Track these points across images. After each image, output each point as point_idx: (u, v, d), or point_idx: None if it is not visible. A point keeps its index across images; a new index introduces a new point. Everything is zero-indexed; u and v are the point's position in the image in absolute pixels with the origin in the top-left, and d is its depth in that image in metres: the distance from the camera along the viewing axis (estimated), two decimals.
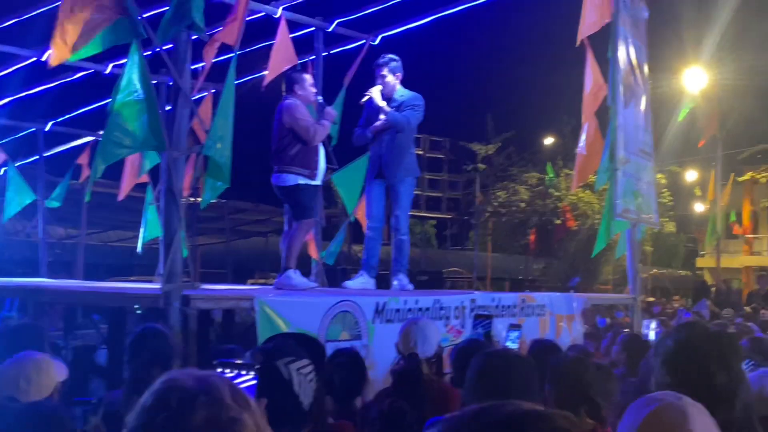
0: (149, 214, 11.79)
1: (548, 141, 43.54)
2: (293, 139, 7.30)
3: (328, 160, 7.87)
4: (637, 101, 8.93)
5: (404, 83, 8.16)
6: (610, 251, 16.79)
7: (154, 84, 6.07)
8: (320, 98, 7.84)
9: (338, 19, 9.63)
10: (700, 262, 38.82)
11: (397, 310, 6.22)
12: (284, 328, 5.23)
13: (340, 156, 9.22)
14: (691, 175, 37.26)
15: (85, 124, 12.81)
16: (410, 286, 8.06)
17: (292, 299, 5.98)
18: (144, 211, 12.01)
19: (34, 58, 9.83)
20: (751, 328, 9.49)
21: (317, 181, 7.52)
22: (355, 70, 9.81)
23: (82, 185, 12.76)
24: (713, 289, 22.37)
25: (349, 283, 7.97)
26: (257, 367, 2.41)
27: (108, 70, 10.49)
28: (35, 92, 11.41)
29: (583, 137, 8.86)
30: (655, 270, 35.90)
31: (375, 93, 7.97)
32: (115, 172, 11.34)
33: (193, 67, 5.81)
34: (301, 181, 7.31)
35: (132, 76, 5.27)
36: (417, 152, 8.50)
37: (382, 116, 7.94)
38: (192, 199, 9.85)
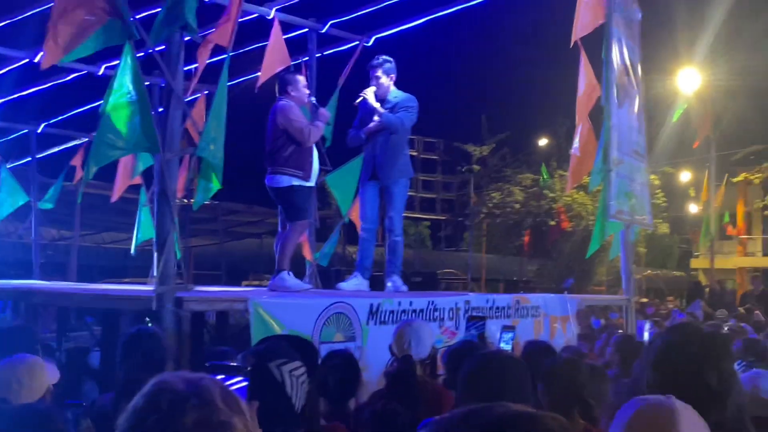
0: (143, 216, 11.76)
1: (543, 142, 43.57)
2: (287, 141, 7.29)
3: (322, 162, 7.86)
4: (630, 102, 8.94)
5: (398, 84, 8.16)
6: (604, 252, 16.80)
7: (147, 85, 6.05)
8: (313, 99, 7.83)
9: (331, 21, 9.63)
10: (694, 263, 38.89)
11: (391, 312, 6.21)
12: (278, 329, 5.22)
13: (333, 157, 9.22)
14: (684, 176, 37.30)
15: (78, 125, 12.78)
16: (404, 288, 8.06)
17: (286, 301, 5.98)
18: (138, 212, 11.98)
19: (27, 60, 9.81)
20: (745, 329, 9.51)
21: (311, 183, 7.51)
22: (349, 71, 9.80)
23: (76, 187, 12.73)
24: (707, 290, 22.40)
25: (343, 285, 7.97)
26: (249, 369, 2.41)
27: (101, 72, 10.47)
28: (28, 93, 11.38)
29: (576, 138, 8.86)
30: (649, 271, 35.94)
31: (369, 94, 7.97)
32: (108, 173, 11.31)
33: (186, 69, 5.80)
34: (295, 182, 7.30)
35: (124, 77, 5.26)
36: (411, 153, 8.50)
37: (376, 117, 7.94)
38: (185, 200, 9.83)
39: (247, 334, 5.24)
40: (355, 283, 7.94)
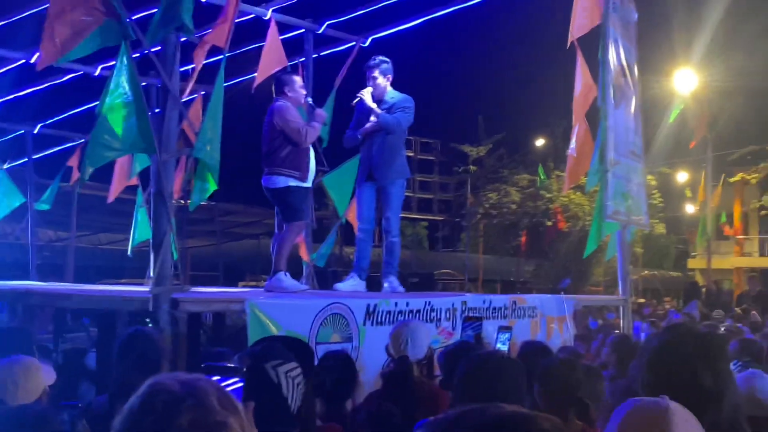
0: (139, 217, 11.75)
1: (539, 143, 43.64)
2: (284, 141, 7.29)
3: (319, 162, 7.86)
4: (627, 103, 8.95)
5: (394, 85, 8.16)
6: (600, 253, 16.83)
7: (144, 86, 6.05)
8: (310, 100, 7.83)
9: (328, 21, 9.63)
10: (691, 264, 38.94)
11: (388, 313, 6.21)
12: (275, 330, 5.21)
13: (330, 158, 9.22)
14: (681, 177, 37.37)
15: (75, 126, 12.77)
16: (401, 288, 8.06)
17: (283, 302, 5.97)
18: (134, 213, 11.98)
19: (23, 60, 9.80)
20: (741, 330, 9.52)
21: (308, 183, 7.51)
22: (345, 71, 9.80)
23: (72, 188, 12.74)
24: (704, 290, 22.43)
25: (339, 286, 7.97)
26: (245, 370, 2.41)
27: (97, 72, 10.45)
28: (24, 94, 11.36)
29: (573, 139, 8.87)
30: (646, 271, 35.99)
31: (366, 95, 7.97)
32: (105, 174, 11.30)
33: (182, 69, 5.80)
34: (292, 183, 7.30)
35: (121, 78, 5.25)
36: (408, 154, 8.52)
37: (372, 118, 7.94)
38: (182, 201, 9.82)
39: (244, 335, 5.24)
40: (352, 283, 7.94)
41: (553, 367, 3.77)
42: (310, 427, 3.02)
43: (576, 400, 3.57)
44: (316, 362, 4.01)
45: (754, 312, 14.56)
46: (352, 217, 9.23)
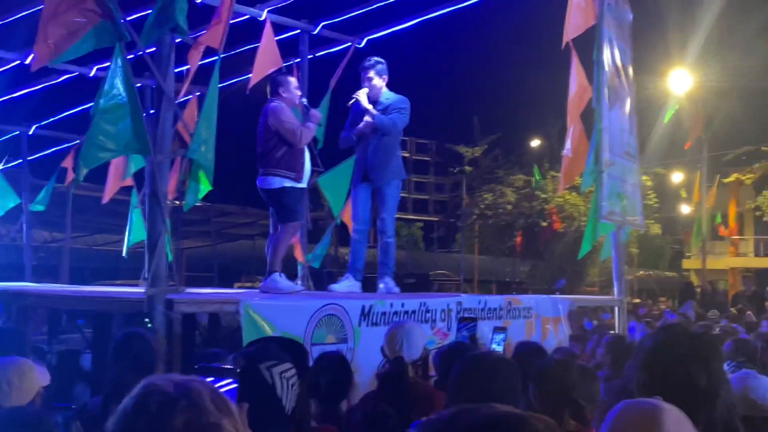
0: (134, 218, 11.74)
1: (535, 143, 43.60)
2: (279, 142, 7.29)
3: (314, 163, 7.86)
4: (621, 103, 8.96)
5: (390, 86, 8.16)
6: (596, 253, 16.84)
7: (139, 87, 6.05)
8: (304, 100, 7.82)
9: (323, 22, 9.63)
10: (686, 264, 39.01)
11: (383, 314, 6.21)
12: (270, 331, 5.21)
13: (326, 159, 9.22)
14: (676, 177, 37.38)
15: (70, 127, 12.76)
16: (396, 289, 8.06)
17: (278, 303, 5.97)
18: (129, 214, 11.96)
19: (18, 62, 9.79)
20: (737, 330, 9.54)
21: (303, 184, 7.51)
22: (341, 72, 9.80)
23: (67, 189, 12.71)
24: (698, 290, 22.45)
25: (335, 287, 7.97)
26: (239, 371, 2.40)
27: (92, 73, 10.44)
28: (19, 95, 11.35)
29: (568, 140, 8.88)
30: (641, 272, 36.03)
31: (362, 96, 7.97)
32: (100, 175, 11.28)
33: (177, 70, 5.79)
34: (287, 183, 7.29)
35: (115, 79, 5.25)
36: (403, 155, 8.51)
37: (367, 118, 7.93)
38: (177, 202, 9.81)
39: (239, 336, 5.23)
40: (347, 284, 7.94)
41: (548, 367, 3.77)
42: (305, 428, 3.02)
43: (571, 401, 3.57)
44: (311, 363, 4.01)
45: (749, 312, 14.59)
46: (347, 218, 9.23)
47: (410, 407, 4.06)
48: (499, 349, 5.26)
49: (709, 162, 26.42)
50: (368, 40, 10.01)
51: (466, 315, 6.65)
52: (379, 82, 8.04)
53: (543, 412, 2.82)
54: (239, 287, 18.27)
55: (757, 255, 39.63)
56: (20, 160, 12.79)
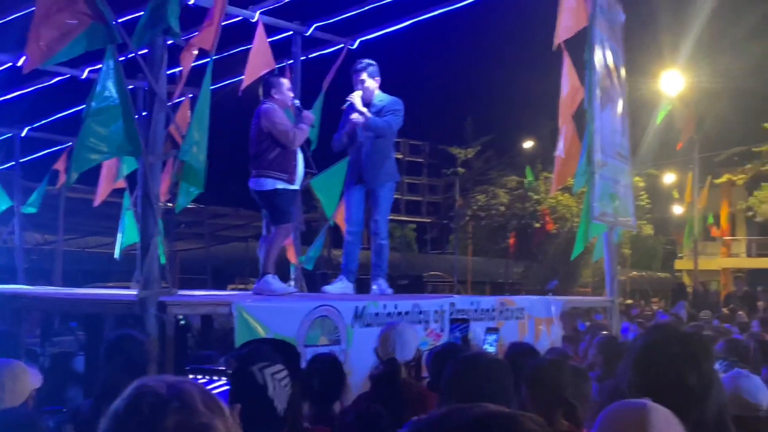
0: (127, 220, 11.71)
1: (527, 144, 43.72)
2: (271, 144, 7.28)
3: (307, 165, 7.87)
4: (613, 105, 8.98)
5: (383, 87, 8.17)
6: (588, 254, 16.88)
7: (131, 89, 6.04)
8: (297, 102, 7.82)
9: (316, 23, 9.63)
10: (678, 265, 39.12)
11: (377, 315, 6.22)
12: (263, 333, 5.20)
13: (319, 161, 9.22)
14: (668, 178, 37.52)
15: (62, 129, 12.73)
16: (389, 291, 8.07)
17: (271, 304, 5.96)
18: (122, 216, 11.94)
19: (10, 63, 9.76)
20: (729, 330, 9.57)
21: (295, 186, 7.50)
22: (334, 74, 9.80)
23: (59, 191, 12.69)
24: (689, 290, 22.52)
25: (328, 288, 7.97)
26: (231, 372, 2.41)
27: (84, 75, 10.42)
28: (11, 97, 11.32)
29: (560, 141, 8.89)
30: (634, 272, 36.12)
31: (356, 98, 7.97)
32: (92, 177, 11.27)
33: (169, 72, 5.79)
34: (280, 185, 7.29)
35: (107, 81, 5.24)
36: (396, 156, 8.52)
37: (359, 116, 7.92)
38: (170, 204, 9.80)
39: (232, 338, 5.23)
40: (341, 286, 7.95)
41: (540, 368, 3.78)
42: (298, 429, 3.02)
43: (563, 402, 3.58)
44: (303, 364, 4.01)
45: (741, 312, 14.64)
46: (340, 219, 9.23)
47: (403, 408, 4.06)
48: (492, 349, 5.27)
49: (701, 163, 26.52)
50: (361, 42, 10.02)
51: (458, 316, 6.66)
52: (372, 84, 8.04)
53: (535, 412, 2.82)
54: (232, 289, 18.25)
55: (748, 255, 39.77)
56: (12, 163, 12.76)
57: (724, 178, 34.61)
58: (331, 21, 9.70)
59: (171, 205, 9.80)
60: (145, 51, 5.57)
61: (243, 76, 8.79)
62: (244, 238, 22.25)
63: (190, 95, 10.11)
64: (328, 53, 10.10)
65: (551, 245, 33.27)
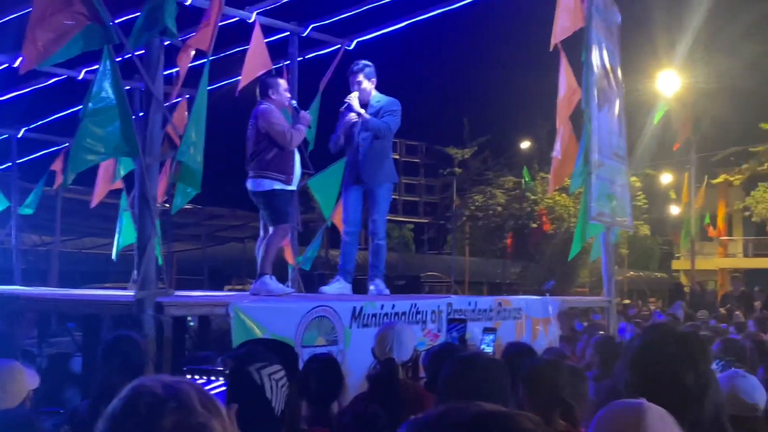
0: (124, 221, 11.70)
1: (524, 145, 43.67)
2: (269, 144, 7.28)
3: (305, 165, 7.87)
4: (610, 105, 9.00)
5: (379, 88, 8.18)
6: (585, 254, 16.89)
7: (127, 90, 6.04)
8: (294, 102, 7.82)
9: (313, 24, 9.62)
10: (675, 265, 39.16)
11: (374, 315, 6.22)
12: (260, 334, 5.20)
13: (316, 161, 9.21)
14: (665, 178, 37.52)
15: (59, 130, 12.72)
16: (387, 291, 8.07)
17: (268, 305, 5.97)
18: (119, 217, 11.93)
19: (7, 65, 9.75)
20: (725, 330, 9.58)
21: (293, 187, 7.50)
22: (331, 74, 9.80)
23: (56, 192, 12.67)
24: (686, 289, 22.54)
25: (325, 289, 7.97)
26: (228, 372, 2.40)
27: (81, 76, 10.41)
28: (8, 98, 11.31)
29: (557, 141, 8.90)
30: (631, 272, 36.13)
31: (354, 100, 7.97)
32: (89, 178, 11.26)
33: (166, 73, 5.79)
34: (277, 186, 7.28)
35: (104, 82, 5.24)
36: (393, 157, 8.52)
37: (353, 116, 7.92)
38: (167, 205, 9.80)
39: (230, 338, 5.23)
40: (338, 286, 7.95)
41: (537, 368, 3.78)
42: (295, 429, 3.02)
43: (561, 401, 3.58)
44: (301, 365, 4.01)
45: (738, 312, 14.65)
46: (337, 220, 9.23)
47: (400, 408, 4.06)
48: (489, 349, 5.27)
49: (698, 163, 26.56)
50: (358, 42, 10.02)
51: (456, 316, 6.66)
52: (369, 85, 8.05)
53: (533, 412, 2.83)
54: (229, 290, 18.24)
55: (745, 255, 39.82)
56: (9, 164, 12.75)
57: (721, 179, 34.62)
58: (328, 22, 9.70)
59: (168, 206, 9.81)
60: (142, 52, 5.57)
61: (240, 77, 8.78)
62: (241, 238, 22.23)
63: (187, 96, 10.11)
64: (325, 54, 10.11)
65: (548, 245, 33.27)
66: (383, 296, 7.67)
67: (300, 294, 8.45)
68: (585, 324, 12.68)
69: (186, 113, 9.64)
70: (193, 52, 6.40)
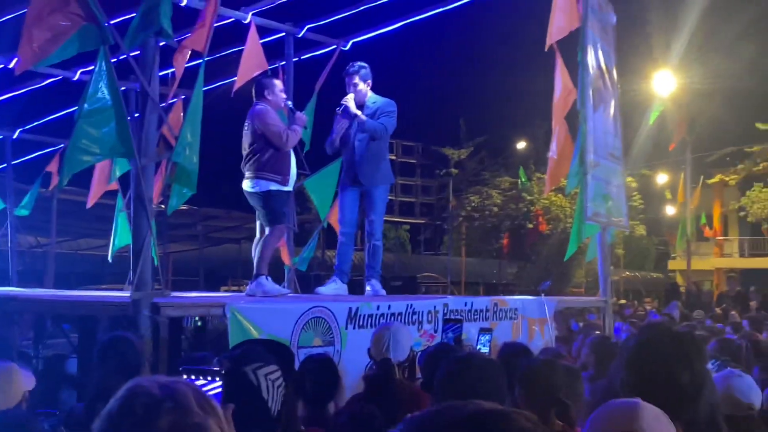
0: (120, 222, 11.68)
1: (520, 145, 43.76)
2: (265, 145, 7.27)
3: (300, 166, 7.86)
4: (606, 106, 9.01)
5: (375, 89, 8.17)
6: (581, 254, 16.90)
7: (123, 90, 6.04)
8: (290, 103, 7.81)
9: (308, 25, 9.63)
10: (671, 265, 39.21)
11: (370, 316, 6.22)
12: (256, 335, 5.20)
13: (312, 162, 9.22)
14: (661, 179, 37.59)
15: (54, 131, 12.70)
16: (383, 292, 8.07)
17: (264, 306, 5.96)
18: (114, 218, 11.91)
19: (2, 65, 9.74)
20: (721, 329, 9.59)
21: (289, 187, 7.50)
22: (326, 75, 9.80)
23: (51, 193, 12.65)
24: (682, 289, 22.57)
25: (321, 289, 7.97)
26: (224, 373, 2.40)
27: (76, 77, 10.40)
28: (3, 99, 11.29)
29: (553, 142, 8.91)
30: (627, 273, 36.19)
31: (350, 102, 7.96)
32: (85, 179, 11.24)
33: (161, 74, 5.79)
34: (273, 187, 7.28)
35: (99, 83, 5.24)
36: (389, 157, 8.53)
37: (348, 118, 7.94)
38: (162, 206, 9.79)
39: (226, 339, 5.22)
40: (334, 287, 7.94)
41: (533, 368, 3.78)
42: (292, 429, 3.02)
43: (557, 401, 3.58)
44: (297, 365, 4.01)
45: (733, 312, 14.68)
46: (333, 220, 9.23)
47: (397, 409, 4.06)
48: (485, 350, 5.27)
49: (694, 163, 26.61)
50: (353, 43, 10.03)
51: (452, 317, 6.66)
52: (364, 86, 8.05)
53: (529, 412, 2.83)
54: (226, 291, 18.23)
55: (741, 255, 39.88)
56: (4, 165, 12.71)
57: (716, 179, 34.71)
58: (324, 22, 9.71)
59: (164, 207, 9.80)
60: (138, 52, 5.57)
61: (235, 78, 8.78)
62: (237, 239, 22.22)
63: (183, 97, 10.11)
64: (321, 54, 10.12)
65: (544, 246, 33.34)
66: (379, 297, 7.67)
67: (296, 295, 8.44)
68: (581, 324, 12.70)
69: (182, 114, 9.64)
70: (188, 53, 6.39)
